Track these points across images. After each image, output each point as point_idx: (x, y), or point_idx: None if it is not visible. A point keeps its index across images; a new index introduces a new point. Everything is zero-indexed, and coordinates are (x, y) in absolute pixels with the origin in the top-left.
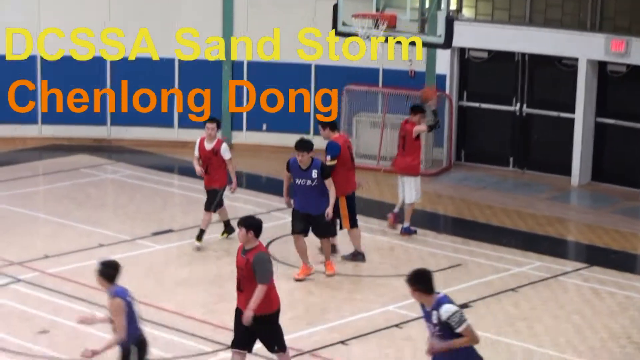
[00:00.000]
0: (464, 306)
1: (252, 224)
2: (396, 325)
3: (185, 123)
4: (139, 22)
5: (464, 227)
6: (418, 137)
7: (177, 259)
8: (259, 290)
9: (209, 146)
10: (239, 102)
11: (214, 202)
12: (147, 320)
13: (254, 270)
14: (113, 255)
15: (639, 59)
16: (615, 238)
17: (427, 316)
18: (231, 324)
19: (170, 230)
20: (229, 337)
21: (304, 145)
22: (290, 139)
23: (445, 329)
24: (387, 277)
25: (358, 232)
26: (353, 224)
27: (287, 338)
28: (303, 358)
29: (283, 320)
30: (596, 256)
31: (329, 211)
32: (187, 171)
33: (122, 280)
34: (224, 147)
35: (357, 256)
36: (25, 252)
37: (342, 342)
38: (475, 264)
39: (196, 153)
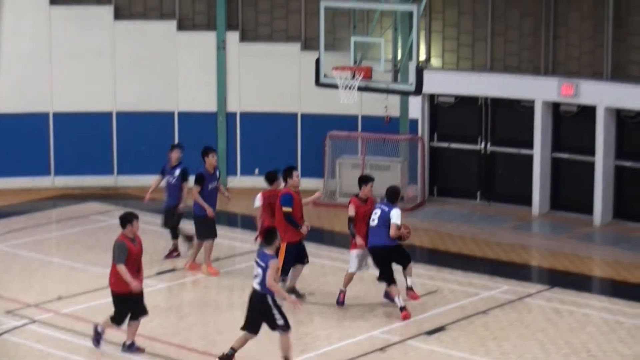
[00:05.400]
0: (440, 329)
1: None
2: (380, 349)
3: None
4: (140, 79)
5: (438, 256)
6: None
7: (179, 296)
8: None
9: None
10: (232, 149)
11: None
12: (155, 354)
13: None
14: None
15: (587, 100)
16: (573, 262)
17: None
18: None
19: (173, 270)
20: None
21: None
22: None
23: None
24: (372, 305)
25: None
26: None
27: None
28: None
29: (277, 350)
30: (557, 279)
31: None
32: (187, 215)
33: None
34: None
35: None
36: (41, 294)
37: None
38: (448, 290)
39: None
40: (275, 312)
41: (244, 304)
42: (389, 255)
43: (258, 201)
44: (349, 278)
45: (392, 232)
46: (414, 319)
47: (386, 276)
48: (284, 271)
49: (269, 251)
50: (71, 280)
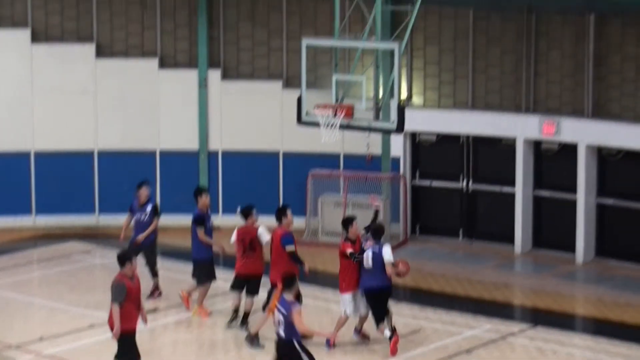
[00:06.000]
0: None
1: None
2: None
3: (166, 209)
4: (122, 117)
5: (421, 295)
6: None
7: (162, 336)
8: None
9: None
10: (214, 187)
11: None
12: None
13: None
14: (104, 335)
15: (568, 138)
16: (556, 300)
17: None
18: None
19: (155, 310)
20: None
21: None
22: (260, 221)
23: None
24: (353, 344)
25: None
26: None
27: None
28: None
29: None
30: (540, 317)
31: None
32: (168, 254)
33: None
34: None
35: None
36: (22, 335)
37: None
38: (431, 329)
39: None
40: (303, 355)
41: (227, 343)
42: (386, 296)
43: (233, 237)
44: (343, 322)
45: (388, 270)
46: (397, 358)
47: (381, 317)
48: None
49: (288, 296)
50: (53, 320)
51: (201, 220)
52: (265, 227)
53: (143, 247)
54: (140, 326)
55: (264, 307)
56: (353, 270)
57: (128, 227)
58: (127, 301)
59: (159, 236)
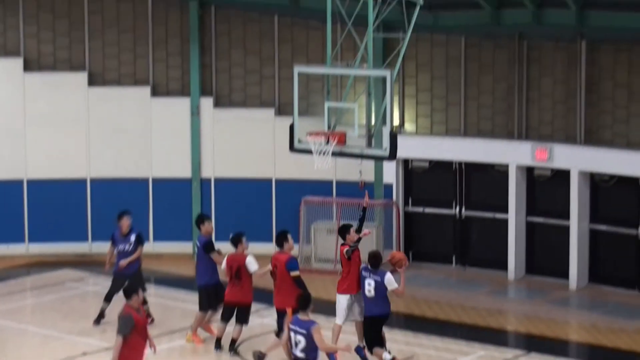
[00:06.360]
0: None
1: None
2: None
3: (159, 236)
4: (115, 145)
5: (414, 322)
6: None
7: None
8: None
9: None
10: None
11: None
12: None
13: None
14: None
15: (561, 164)
16: (550, 326)
17: None
18: None
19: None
20: None
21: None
22: (254, 248)
23: None
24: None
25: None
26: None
27: None
28: None
29: None
30: (534, 344)
31: None
32: (161, 281)
33: None
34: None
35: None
36: None
37: None
38: (425, 356)
39: None
40: None
41: None
42: (383, 323)
43: (223, 264)
44: (338, 332)
45: (401, 291)
46: None
47: (377, 343)
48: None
49: (303, 317)
50: (46, 348)
51: (211, 245)
52: (253, 256)
53: (127, 276)
54: (149, 353)
55: (277, 334)
56: (354, 272)
57: (112, 258)
58: (134, 333)
59: (146, 263)
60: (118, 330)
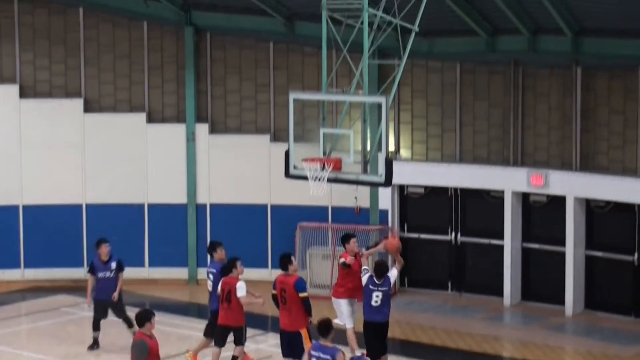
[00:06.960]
0: None
1: None
2: None
3: (155, 262)
4: (110, 171)
5: (410, 348)
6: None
7: None
8: None
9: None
10: (203, 240)
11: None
12: None
13: None
14: None
15: (557, 190)
16: (545, 352)
17: None
18: None
19: None
20: None
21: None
22: (249, 273)
23: None
24: None
25: None
26: None
27: None
28: None
29: None
30: None
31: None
32: (157, 306)
33: None
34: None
35: None
36: None
37: None
38: None
39: None
40: None
41: None
42: (385, 330)
43: (218, 287)
44: (353, 334)
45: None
46: None
47: (383, 350)
48: None
49: (325, 343)
50: None
51: (229, 269)
52: (245, 282)
53: (108, 304)
54: None
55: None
56: (350, 280)
57: (92, 290)
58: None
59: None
60: (135, 357)
